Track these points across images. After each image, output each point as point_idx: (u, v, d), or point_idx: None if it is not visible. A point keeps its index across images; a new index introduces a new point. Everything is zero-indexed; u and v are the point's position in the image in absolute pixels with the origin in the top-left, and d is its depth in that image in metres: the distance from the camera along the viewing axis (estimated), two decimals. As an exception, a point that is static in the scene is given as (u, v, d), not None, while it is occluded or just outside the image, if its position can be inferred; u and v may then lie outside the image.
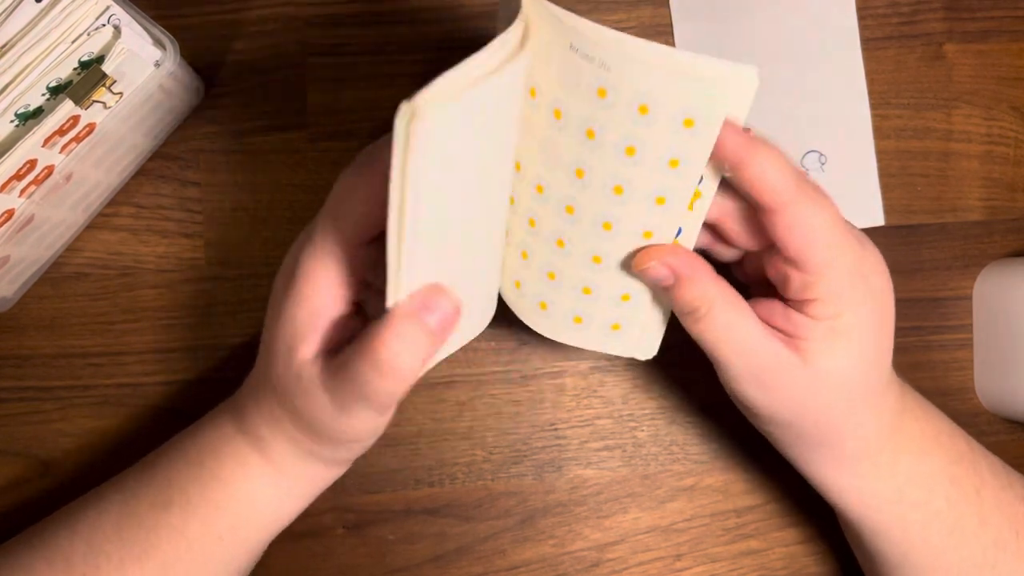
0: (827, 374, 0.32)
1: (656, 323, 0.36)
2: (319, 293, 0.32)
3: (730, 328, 0.32)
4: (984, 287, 0.46)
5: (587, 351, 0.45)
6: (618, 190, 0.31)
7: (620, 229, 0.32)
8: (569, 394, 0.45)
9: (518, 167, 0.33)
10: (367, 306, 0.35)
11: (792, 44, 0.46)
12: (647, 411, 0.45)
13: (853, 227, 0.33)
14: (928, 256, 0.46)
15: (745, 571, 0.45)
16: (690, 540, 0.45)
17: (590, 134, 0.30)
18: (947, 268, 0.46)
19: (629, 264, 0.34)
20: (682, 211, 0.31)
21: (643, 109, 0.28)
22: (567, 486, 0.45)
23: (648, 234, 0.32)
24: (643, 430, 0.45)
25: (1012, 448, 0.46)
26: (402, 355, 0.29)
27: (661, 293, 0.34)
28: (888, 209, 0.46)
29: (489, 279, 0.37)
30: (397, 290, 0.28)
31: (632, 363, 0.45)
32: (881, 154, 0.46)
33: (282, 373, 0.33)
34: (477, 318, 0.38)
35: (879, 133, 0.46)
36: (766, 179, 0.30)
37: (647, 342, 0.37)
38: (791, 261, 0.31)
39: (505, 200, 0.34)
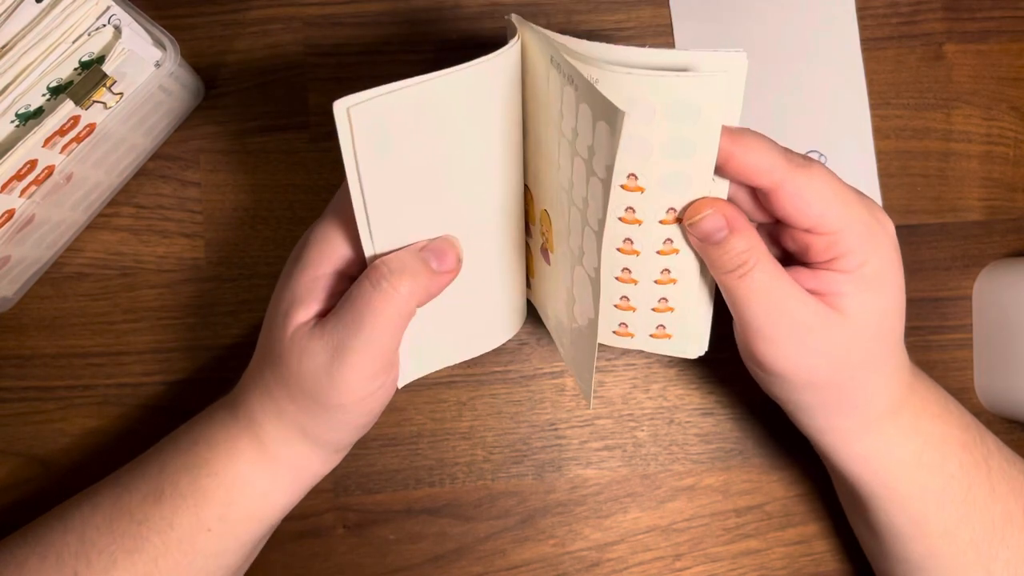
0: (866, 324, 0.33)
1: (702, 320, 0.36)
2: (321, 262, 0.33)
3: (772, 287, 0.32)
4: (984, 287, 0.46)
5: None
6: (632, 214, 0.32)
7: (644, 243, 0.34)
8: (569, 394, 0.45)
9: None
10: None
11: (792, 44, 0.46)
12: (647, 411, 0.45)
13: (848, 184, 0.34)
14: (928, 256, 0.46)
15: (745, 571, 0.45)
16: (690, 540, 0.45)
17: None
18: (947, 268, 0.46)
19: (657, 274, 0.34)
20: (706, 175, 0.32)
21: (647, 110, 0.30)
22: (567, 486, 0.45)
23: (669, 246, 0.34)
24: (643, 430, 0.45)
25: (1012, 448, 0.46)
26: (404, 281, 0.31)
27: (708, 250, 0.33)
28: (888, 209, 0.46)
29: (503, 294, 0.37)
30: (371, 247, 0.32)
31: (632, 364, 0.45)
32: (881, 154, 0.46)
33: (279, 338, 0.33)
34: (483, 335, 0.38)
35: (879, 133, 0.46)
36: (756, 165, 0.31)
37: (696, 340, 0.37)
38: (807, 230, 0.32)
39: (509, 210, 0.35)
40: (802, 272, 0.33)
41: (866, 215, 0.33)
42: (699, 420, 0.45)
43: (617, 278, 0.35)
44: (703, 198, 0.33)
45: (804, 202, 0.32)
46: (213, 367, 0.44)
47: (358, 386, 0.33)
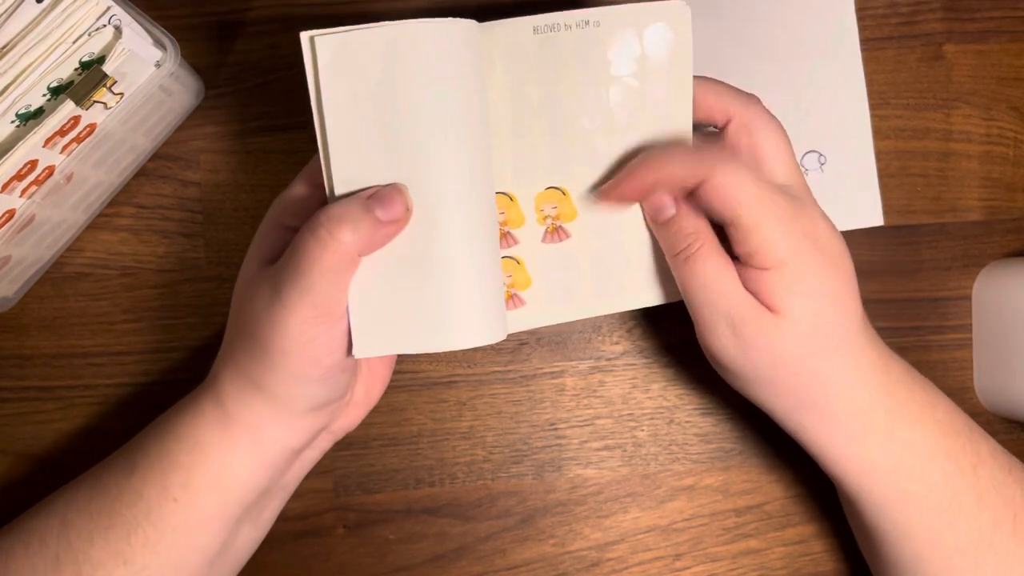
0: (794, 320, 0.34)
1: (655, 270, 0.38)
2: (283, 217, 0.35)
3: (715, 274, 0.34)
4: (984, 287, 0.46)
5: (586, 352, 0.45)
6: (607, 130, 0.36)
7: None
8: (569, 394, 0.45)
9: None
10: None
11: (792, 44, 0.46)
12: (647, 411, 0.45)
13: (782, 188, 0.35)
14: (928, 256, 0.46)
15: (745, 571, 0.45)
16: (690, 540, 0.45)
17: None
18: (947, 268, 0.46)
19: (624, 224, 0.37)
20: (687, 129, 0.36)
21: (625, 49, 0.35)
22: (567, 486, 0.45)
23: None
24: (643, 430, 0.45)
25: (1012, 448, 0.45)
26: (343, 228, 0.31)
27: (659, 229, 0.36)
28: (888, 209, 0.46)
29: (470, 284, 0.35)
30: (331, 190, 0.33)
31: (632, 363, 0.45)
32: (880, 154, 0.46)
33: (238, 290, 0.35)
34: (449, 327, 0.35)
35: (878, 133, 0.46)
36: (673, 172, 0.34)
37: (645, 291, 0.38)
38: (726, 222, 0.34)
39: (468, 200, 0.34)
40: (744, 271, 0.35)
41: (786, 212, 0.34)
42: (699, 420, 0.45)
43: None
44: (668, 146, 0.36)
45: (726, 188, 0.33)
46: (213, 367, 0.44)
47: (296, 329, 0.32)
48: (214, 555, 0.36)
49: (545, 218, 0.37)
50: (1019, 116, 0.47)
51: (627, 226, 0.37)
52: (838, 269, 0.35)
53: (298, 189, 0.36)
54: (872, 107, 0.46)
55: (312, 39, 0.31)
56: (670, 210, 0.35)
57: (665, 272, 0.37)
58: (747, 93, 0.36)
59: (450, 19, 0.32)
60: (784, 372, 0.35)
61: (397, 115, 0.32)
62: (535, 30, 0.34)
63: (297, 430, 0.36)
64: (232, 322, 0.36)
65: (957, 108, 0.46)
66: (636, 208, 0.37)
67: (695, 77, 0.36)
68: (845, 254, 0.35)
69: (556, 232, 0.37)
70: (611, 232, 0.37)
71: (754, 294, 0.34)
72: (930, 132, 0.46)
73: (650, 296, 0.38)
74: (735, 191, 0.33)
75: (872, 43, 0.46)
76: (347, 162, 0.33)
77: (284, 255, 0.33)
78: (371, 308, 0.33)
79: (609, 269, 0.38)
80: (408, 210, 0.32)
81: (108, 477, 0.36)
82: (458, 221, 0.34)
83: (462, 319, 0.35)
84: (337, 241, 0.31)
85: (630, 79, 0.35)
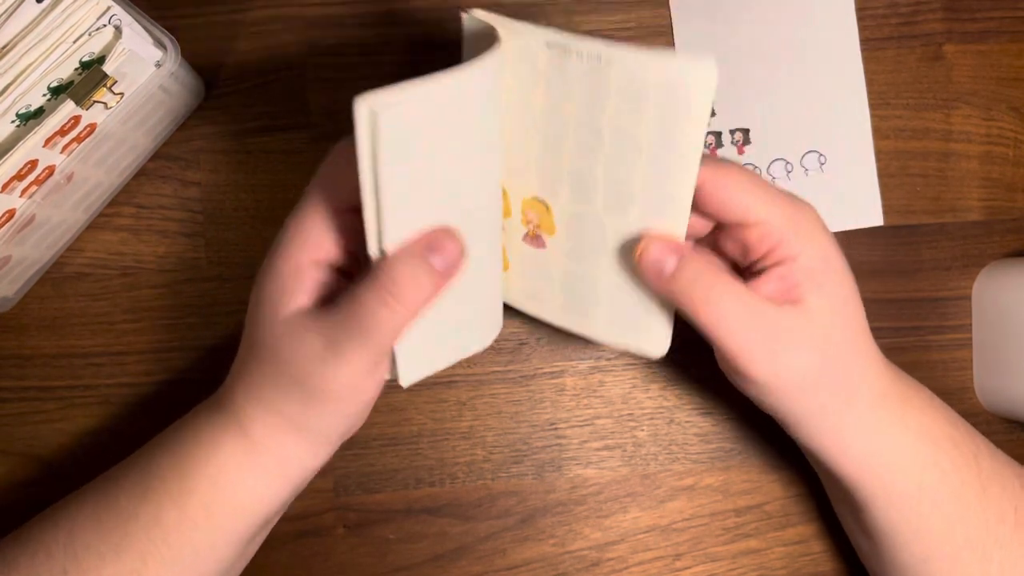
0: (830, 310, 0.34)
1: (665, 320, 0.36)
2: (304, 249, 0.33)
3: (735, 300, 0.33)
4: (984, 287, 0.46)
5: (586, 351, 0.45)
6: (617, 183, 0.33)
7: (623, 226, 0.34)
8: (569, 394, 0.45)
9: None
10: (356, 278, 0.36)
11: (792, 44, 0.46)
12: (647, 411, 0.45)
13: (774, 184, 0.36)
14: (928, 256, 0.46)
15: (744, 571, 0.45)
16: (690, 540, 0.45)
17: (584, 130, 0.33)
18: (947, 268, 0.46)
19: (631, 262, 0.35)
20: (684, 203, 0.33)
21: (629, 98, 0.31)
22: (567, 486, 0.45)
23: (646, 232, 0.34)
24: (643, 430, 0.45)
25: (1012, 448, 0.46)
26: (408, 288, 0.30)
27: (663, 286, 0.34)
28: (888, 209, 0.46)
29: (489, 292, 0.37)
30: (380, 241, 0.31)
31: (632, 363, 0.45)
32: (880, 154, 0.46)
33: (268, 327, 0.33)
34: (478, 332, 0.38)
35: (878, 133, 0.46)
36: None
37: (657, 339, 0.37)
38: (737, 224, 0.34)
39: (491, 206, 0.35)
40: (755, 281, 0.34)
41: (790, 206, 0.34)
42: (699, 420, 0.45)
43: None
44: (648, 238, 0.34)
45: (728, 194, 0.33)
46: (213, 367, 0.44)
47: (353, 379, 0.33)
48: (228, 567, 0.37)
49: (527, 222, 0.37)
50: (1019, 116, 0.47)
51: (601, 263, 0.36)
52: (840, 253, 0.35)
53: (313, 218, 0.33)
54: (872, 107, 0.46)
55: (374, 114, 0.28)
56: (670, 267, 0.33)
57: (626, 320, 0.37)
58: (718, 158, 0.35)
59: (490, 56, 0.30)
60: (824, 369, 0.34)
61: (441, 157, 0.31)
62: (548, 45, 0.32)
63: (324, 455, 0.37)
64: (257, 358, 0.34)
65: (957, 108, 0.46)
66: (610, 251, 0.35)
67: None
68: (829, 236, 0.36)
69: (535, 239, 0.37)
70: (584, 261, 0.36)
71: (773, 298, 0.34)
72: (930, 132, 0.46)
73: (609, 336, 0.37)
74: (740, 190, 0.33)
75: (872, 43, 0.46)
76: (398, 219, 0.31)
77: (343, 308, 0.32)
78: (413, 338, 0.34)
79: (578, 293, 0.37)
80: (464, 254, 0.32)
81: (119, 496, 0.36)
82: (487, 238, 0.35)
83: (488, 320, 0.38)
84: (404, 304, 0.31)
85: (631, 128, 0.32)
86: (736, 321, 0.33)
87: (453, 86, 0.29)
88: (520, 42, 0.33)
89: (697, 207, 0.34)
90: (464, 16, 0.33)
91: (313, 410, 0.34)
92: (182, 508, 0.35)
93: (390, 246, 0.31)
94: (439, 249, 0.31)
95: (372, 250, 0.31)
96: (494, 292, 0.38)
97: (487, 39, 0.32)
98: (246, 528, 0.36)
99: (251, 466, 0.35)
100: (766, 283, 0.34)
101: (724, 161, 0.34)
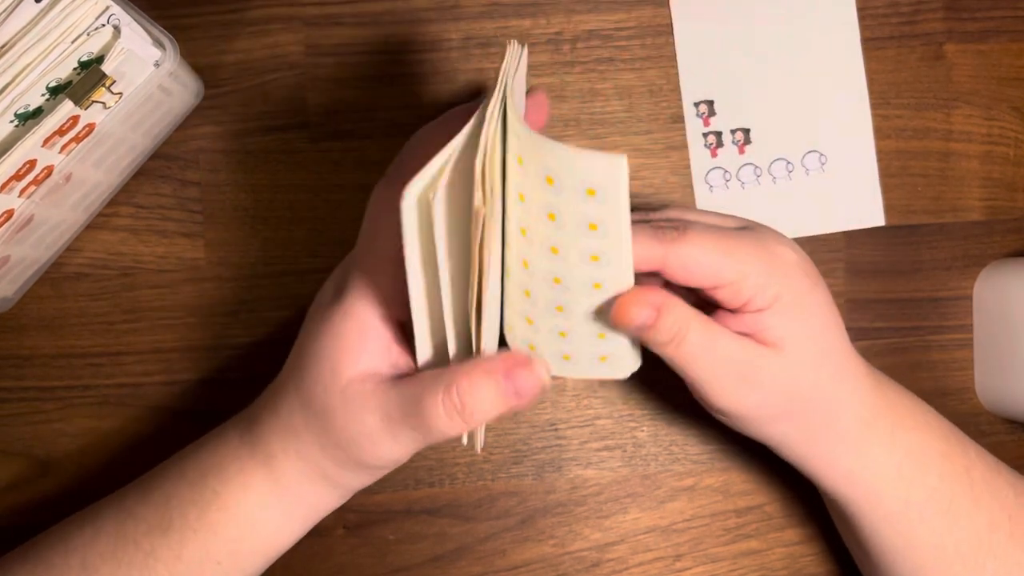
0: (803, 350, 0.34)
1: (635, 347, 0.35)
2: (369, 310, 0.32)
3: (709, 344, 0.33)
4: (984, 287, 0.46)
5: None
6: (554, 251, 0.31)
7: (570, 284, 0.32)
8: (569, 394, 0.45)
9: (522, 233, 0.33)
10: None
11: (792, 44, 0.46)
12: (647, 411, 0.45)
13: (732, 218, 0.35)
14: (928, 256, 0.46)
15: (745, 571, 0.45)
16: (690, 540, 0.45)
17: (541, 212, 0.30)
18: (947, 268, 0.46)
19: (591, 311, 0.33)
20: (623, 265, 0.31)
21: (549, 180, 0.29)
22: (567, 486, 0.45)
23: (597, 286, 0.32)
24: (643, 430, 0.45)
25: (1012, 448, 0.46)
26: (477, 409, 0.30)
27: (638, 334, 0.33)
28: (888, 209, 0.46)
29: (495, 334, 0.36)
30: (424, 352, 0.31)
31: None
32: (881, 154, 0.46)
33: (323, 388, 0.32)
34: None
35: (879, 133, 0.46)
36: (637, 258, 0.31)
37: (628, 363, 0.36)
38: (711, 288, 0.33)
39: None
40: (727, 317, 0.34)
41: (759, 252, 0.33)
42: (699, 420, 0.45)
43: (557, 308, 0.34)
44: (623, 296, 0.32)
45: (694, 267, 0.32)
46: (213, 367, 0.44)
47: (397, 458, 0.33)
48: None
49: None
50: (1020, 116, 0.47)
51: (571, 310, 0.34)
52: (813, 280, 0.35)
53: (381, 263, 0.32)
54: (873, 107, 0.46)
55: (428, 201, 0.27)
56: (651, 319, 0.32)
57: (586, 358, 0.36)
58: (670, 227, 0.33)
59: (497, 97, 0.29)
60: (794, 401, 0.35)
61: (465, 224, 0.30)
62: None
63: (346, 498, 0.37)
64: (305, 412, 0.34)
65: (958, 108, 0.46)
66: (584, 304, 0.33)
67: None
68: (808, 260, 0.35)
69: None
70: (551, 301, 0.34)
71: (746, 334, 0.34)
72: (931, 132, 0.46)
73: (576, 373, 0.37)
74: (703, 264, 0.32)
75: (873, 43, 0.46)
76: (449, 307, 0.30)
77: (407, 398, 0.31)
78: None
79: (548, 329, 0.36)
80: (541, 387, 0.31)
81: (134, 527, 0.35)
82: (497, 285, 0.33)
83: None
84: (469, 422, 0.31)
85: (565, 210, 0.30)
86: (708, 359, 0.33)
87: (467, 143, 0.29)
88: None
89: (669, 281, 0.33)
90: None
91: (351, 472, 0.34)
92: (205, 548, 0.34)
93: (453, 351, 0.31)
94: (524, 385, 0.31)
95: (420, 355, 0.31)
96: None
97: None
98: (263, 565, 0.36)
99: (279, 511, 0.35)
100: (738, 322, 0.34)
101: (675, 232, 0.32)
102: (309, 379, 0.33)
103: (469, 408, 0.30)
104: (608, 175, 0.29)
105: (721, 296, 0.33)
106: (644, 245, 0.32)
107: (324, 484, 0.35)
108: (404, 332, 0.33)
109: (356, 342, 0.32)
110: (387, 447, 0.32)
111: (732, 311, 0.34)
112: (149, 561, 0.34)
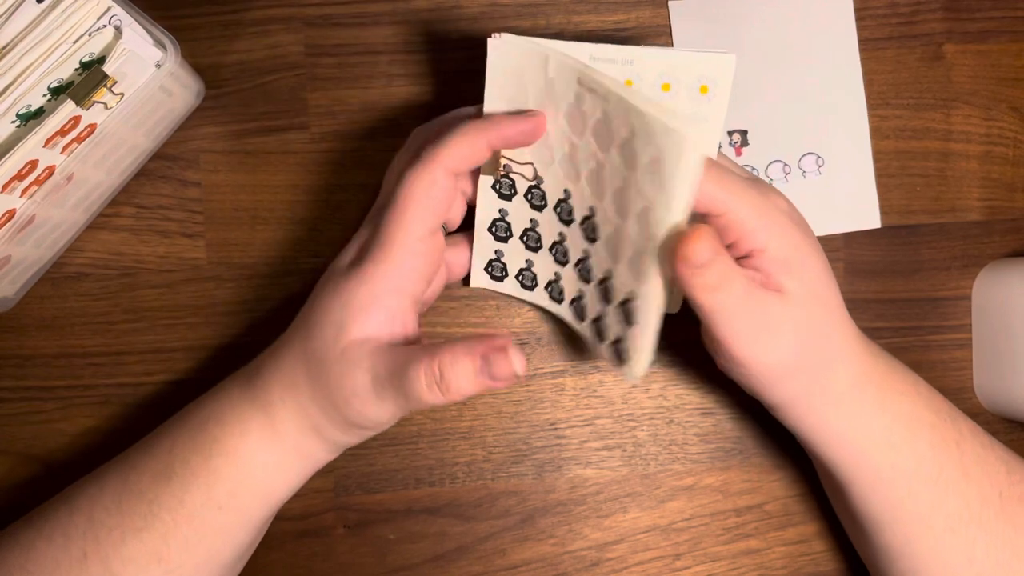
0: (807, 294, 0.35)
1: (648, 346, 0.36)
2: (384, 282, 0.35)
3: (744, 294, 0.34)
4: (983, 287, 0.46)
5: (587, 351, 0.45)
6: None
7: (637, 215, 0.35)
8: (569, 394, 0.45)
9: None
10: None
11: (790, 45, 0.46)
12: (647, 411, 0.45)
13: (741, 168, 0.37)
14: (927, 256, 0.46)
15: (744, 571, 0.45)
16: (690, 540, 0.45)
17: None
18: (946, 268, 0.46)
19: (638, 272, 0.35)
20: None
21: (665, 87, 0.36)
22: (567, 486, 0.45)
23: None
24: (643, 430, 0.45)
25: (1012, 448, 0.46)
26: (454, 383, 0.32)
27: (692, 273, 0.33)
28: (887, 209, 0.46)
29: None
30: None
31: (632, 363, 0.45)
32: (880, 154, 0.46)
33: (326, 345, 0.35)
34: None
35: (878, 133, 0.46)
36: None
37: (640, 363, 0.36)
38: (704, 214, 0.34)
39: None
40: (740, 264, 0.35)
41: (753, 193, 0.34)
42: (699, 420, 0.45)
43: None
44: (695, 230, 0.32)
45: (711, 203, 0.34)
46: (213, 367, 0.44)
47: (382, 420, 0.35)
48: (246, 549, 0.38)
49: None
50: (1019, 116, 0.47)
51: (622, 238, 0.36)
52: (812, 238, 0.36)
53: (400, 235, 0.35)
54: (872, 107, 0.46)
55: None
56: (708, 257, 0.32)
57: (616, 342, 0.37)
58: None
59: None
60: (801, 355, 0.35)
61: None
62: (579, 82, 0.34)
63: (336, 453, 0.39)
64: (306, 367, 0.35)
65: (957, 108, 0.47)
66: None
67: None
68: (802, 217, 0.37)
69: None
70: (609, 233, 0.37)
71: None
72: (930, 132, 0.46)
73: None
74: (704, 188, 0.33)
75: (872, 43, 0.46)
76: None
77: (396, 365, 0.33)
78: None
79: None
80: (517, 375, 0.32)
81: (137, 478, 0.36)
82: None
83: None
84: (449, 396, 0.33)
85: (631, 168, 0.33)
86: (745, 306, 0.34)
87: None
88: (554, 74, 0.34)
89: None
90: (490, 41, 0.34)
91: (339, 429, 0.36)
92: (207, 491, 0.35)
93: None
94: (492, 363, 0.32)
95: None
96: None
97: (516, 62, 0.34)
98: (261, 514, 0.37)
99: (276, 456, 0.36)
100: (744, 271, 0.35)
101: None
102: (316, 336, 0.35)
103: (447, 381, 0.32)
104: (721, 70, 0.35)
105: (714, 227, 0.34)
106: None
107: (314, 435, 0.36)
108: (414, 307, 0.36)
109: (365, 309, 0.34)
110: (373, 407, 0.34)
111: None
112: (152, 508, 0.35)
